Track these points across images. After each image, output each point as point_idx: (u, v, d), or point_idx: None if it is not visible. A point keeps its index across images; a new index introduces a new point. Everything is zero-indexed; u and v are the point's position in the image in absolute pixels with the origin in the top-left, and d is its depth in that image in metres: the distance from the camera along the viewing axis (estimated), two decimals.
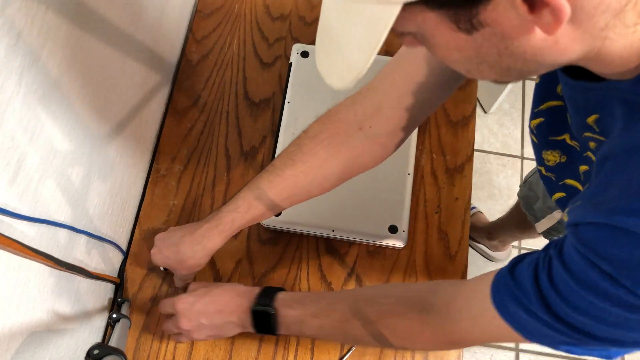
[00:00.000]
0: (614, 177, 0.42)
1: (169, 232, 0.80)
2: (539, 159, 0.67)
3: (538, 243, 1.70)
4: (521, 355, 1.60)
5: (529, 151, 1.81)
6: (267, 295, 0.71)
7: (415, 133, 0.97)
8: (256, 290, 0.73)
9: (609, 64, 0.41)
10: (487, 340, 0.57)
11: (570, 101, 0.53)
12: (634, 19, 0.37)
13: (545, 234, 1.14)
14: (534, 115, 0.63)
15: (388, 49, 1.05)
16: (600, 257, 0.40)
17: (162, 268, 0.84)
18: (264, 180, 0.73)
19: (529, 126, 0.66)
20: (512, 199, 1.45)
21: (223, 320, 0.73)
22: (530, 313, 0.47)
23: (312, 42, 1.05)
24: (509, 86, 1.68)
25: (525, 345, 1.61)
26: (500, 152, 1.81)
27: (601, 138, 0.49)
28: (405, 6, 0.36)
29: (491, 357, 1.59)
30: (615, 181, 0.41)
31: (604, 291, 0.41)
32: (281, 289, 0.73)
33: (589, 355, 0.49)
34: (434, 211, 0.94)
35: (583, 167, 0.58)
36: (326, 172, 0.72)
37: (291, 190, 0.73)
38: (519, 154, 1.81)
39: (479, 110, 1.85)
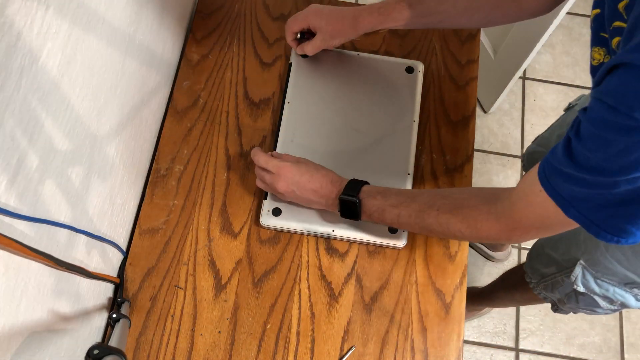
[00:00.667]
0: (632, 29, 0.48)
1: (323, 7, 0.90)
2: (591, 57, 0.71)
3: None
4: (521, 355, 1.60)
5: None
6: (354, 186, 0.82)
7: (415, 133, 0.97)
8: (345, 180, 0.84)
9: None
10: (539, 222, 0.62)
11: None
12: None
13: None
14: (594, 5, 0.65)
15: (388, 49, 1.05)
16: (607, 94, 0.48)
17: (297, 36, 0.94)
18: None
19: (591, 16, 0.69)
20: None
21: (314, 198, 0.85)
22: (563, 175, 0.55)
23: None
24: (509, 86, 1.69)
25: (525, 345, 1.61)
26: (500, 152, 1.81)
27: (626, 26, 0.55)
28: None
29: (491, 357, 1.59)
30: (632, 27, 0.48)
31: (607, 122, 0.48)
32: (366, 182, 0.83)
33: (616, 242, 0.55)
34: None
35: None
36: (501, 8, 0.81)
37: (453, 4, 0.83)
38: (519, 154, 1.81)
39: (479, 110, 1.85)
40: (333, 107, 0.99)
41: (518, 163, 1.80)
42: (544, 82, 1.89)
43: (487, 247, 1.66)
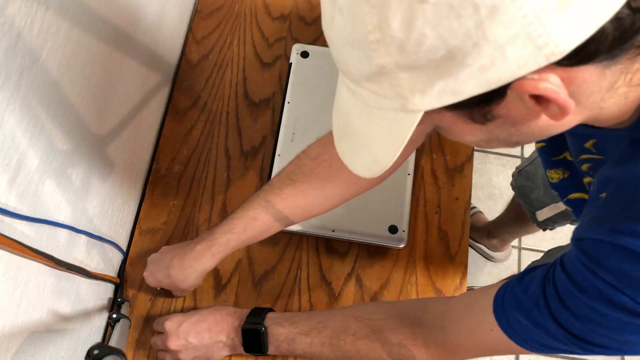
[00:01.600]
0: (616, 199, 0.45)
1: (160, 254, 0.81)
2: (545, 177, 0.70)
3: (538, 243, 1.70)
4: (521, 355, 1.60)
5: (529, 151, 1.81)
6: (258, 314, 0.73)
7: None
8: (246, 310, 0.75)
9: (606, 123, 0.45)
10: (481, 352, 0.57)
11: (568, 132, 0.55)
12: (624, 89, 0.40)
13: (543, 224, 1.14)
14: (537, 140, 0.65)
15: None
16: (603, 269, 0.43)
17: (158, 288, 0.84)
18: (261, 199, 0.73)
19: (535, 148, 0.68)
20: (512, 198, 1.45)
21: (212, 339, 0.74)
22: (531, 320, 0.49)
23: (312, 42, 1.05)
24: None
25: None
26: (500, 152, 1.81)
27: (599, 157, 0.52)
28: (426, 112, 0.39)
29: (491, 357, 1.59)
30: (617, 202, 0.44)
31: (607, 298, 0.43)
32: (270, 310, 0.75)
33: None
34: (434, 211, 0.94)
35: (587, 179, 0.60)
36: (327, 192, 0.72)
37: (290, 210, 0.73)
38: (519, 154, 1.81)
39: None
40: (333, 107, 0.98)
41: (518, 163, 1.80)
42: None
43: (487, 247, 1.66)
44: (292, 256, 0.91)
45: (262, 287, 0.89)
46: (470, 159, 0.98)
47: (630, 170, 0.44)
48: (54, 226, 0.64)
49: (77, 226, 0.71)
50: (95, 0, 0.66)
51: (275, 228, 0.75)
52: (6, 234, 0.53)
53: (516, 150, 1.81)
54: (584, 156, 0.55)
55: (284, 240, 0.92)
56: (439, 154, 0.98)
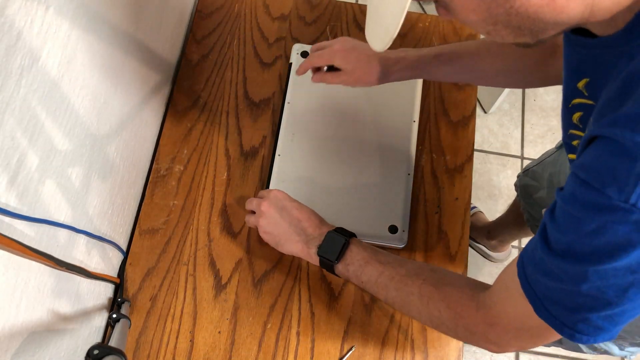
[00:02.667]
0: (606, 107, 0.47)
1: (363, 43, 0.83)
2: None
3: None
4: (521, 355, 1.60)
5: (529, 151, 1.81)
6: (346, 231, 0.78)
7: (415, 133, 0.97)
8: (332, 226, 0.79)
9: (602, 21, 0.47)
10: (515, 320, 0.58)
11: (566, 64, 0.58)
12: None
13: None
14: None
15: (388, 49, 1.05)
16: (582, 169, 0.45)
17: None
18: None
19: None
20: (512, 199, 1.45)
21: (295, 227, 0.80)
22: (536, 263, 0.52)
23: (312, 42, 1.05)
24: None
25: None
26: (500, 152, 1.81)
27: (589, 102, 0.53)
28: None
29: (491, 357, 1.59)
30: (609, 102, 0.47)
31: (579, 198, 0.45)
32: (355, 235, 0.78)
33: (593, 341, 0.52)
34: (434, 211, 0.94)
35: (575, 142, 0.60)
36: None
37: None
38: (519, 154, 1.81)
39: (479, 110, 1.85)
40: (333, 107, 0.99)
41: (518, 163, 1.80)
42: None
43: (487, 247, 1.66)
44: (292, 256, 0.91)
45: (262, 287, 0.89)
46: (470, 159, 0.98)
47: (632, 66, 0.45)
48: (54, 226, 0.64)
49: (77, 226, 0.71)
50: (95, 0, 0.66)
51: (472, 75, 0.83)
52: (6, 234, 0.53)
53: (516, 150, 1.81)
54: (576, 100, 0.56)
55: None
56: (439, 154, 0.98)
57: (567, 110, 0.59)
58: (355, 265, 0.74)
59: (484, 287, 0.65)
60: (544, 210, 0.86)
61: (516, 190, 1.22)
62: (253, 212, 0.85)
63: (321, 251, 0.76)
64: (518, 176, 1.21)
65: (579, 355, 1.60)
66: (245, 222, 0.92)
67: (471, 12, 0.48)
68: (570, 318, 0.51)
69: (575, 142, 0.59)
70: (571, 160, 0.63)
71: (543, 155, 1.13)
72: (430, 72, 0.82)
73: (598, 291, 0.48)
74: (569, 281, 0.49)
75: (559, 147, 1.06)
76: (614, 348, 0.90)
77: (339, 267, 0.75)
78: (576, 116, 0.57)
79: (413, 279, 0.69)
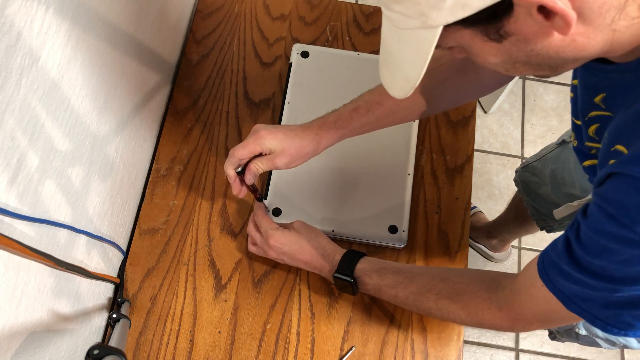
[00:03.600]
0: (623, 137, 0.49)
1: (274, 127, 0.79)
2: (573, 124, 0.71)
3: (538, 243, 1.70)
4: (521, 355, 1.60)
5: (529, 151, 1.81)
6: (349, 264, 0.78)
7: (415, 133, 0.97)
8: (339, 256, 0.80)
9: (622, 52, 0.48)
10: (540, 314, 0.61)
11: (581, 82, 0.59)
12: (635, 12, 0.43)
13: (555, 223, 1.14)
14: (573, 75, 0.66)
15: None
16: (608, 202, 0.47)
17: (238, 169, 0.78)
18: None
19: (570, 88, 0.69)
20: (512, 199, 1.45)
21: (307, 268, 0.83)
22: (563, 273, 0.54)
23: (312, 42, 1.06)
24: (509, 86, 1.68)
25: (525, 345, 1.61)
26: (500, 152, 1.81)
27: (607, 114, 0.55)
28: (444, 27, 0.45)
29: (491, 357, 1.59)
30: (624, 139, 0.49)
31: (609, 232, 0.47)
32: (363, 255, 0.79)
33: (624, 335, 0.54)
34: (434, 211, 0.94)
35: (593, 151, 0.61)
36: (451, 87, 0.78)
37: (411, 101, 0.78)
38: (519, 154, 1.81)
39: (479, 110, 1.85)
40: (333, 107, 0.98)
41: (518, 163, 1.80)
42: (544, 82, 1.89)
43: (487, 248, 1.66)
44: None
45: (262, 287, 0.89)
46: (470, 159, 0.98)
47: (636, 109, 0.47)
48: (54, 226, 0.64)
49: (77, 226, 0.71)
50: (95, 0, 0.66)
51: (395, 118, 0.79)
52: (6, 234, 0.53)
53: (516, 150, 1.81)
54: (593, 113, 0.57)
55: None
56: (439, 154, 0.98)
57: (584, 123, 0.59)
58: (371, 293, 0.79)
59: (498, 283, 0.66)
60: (554, 211, 0.88)
61: (517, 185, 1.22)
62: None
63: (338, 287, 0.82)
64: (517, 171, 1.21)
65: (579, 355, 1.60)
66: (243, 222, 0.92)
67: (491, 56, 0.49)
68: (602, 312, 0.53)
69: (593, 151, 0.60)
70: (587, 167, 0.64)
71: (542, 150, 1.12)
72: (354, 128, 0.79)
73: (630, 297, 0.51)
74: (601, 290, 0.51)
75: (559, 144, 1.06)
76: (632, 342, 0.90)
77: (362, 292, 0.80)
78: (592, 129, 0.58)
79: (426, 296, 0.72)
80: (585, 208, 0.52)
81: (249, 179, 0.79)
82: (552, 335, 1.10)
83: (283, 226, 0.84)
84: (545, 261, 0.57)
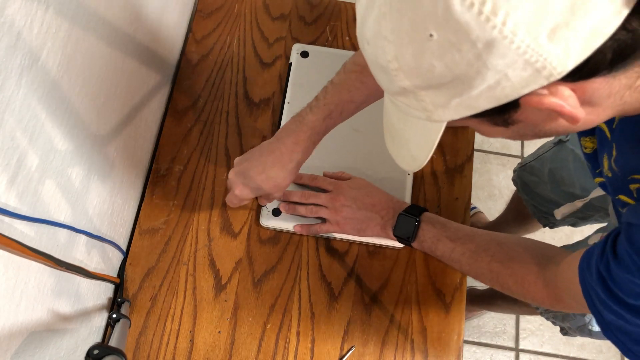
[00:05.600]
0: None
1: (248, 162, 0.79)
2: (580, 146, 0.71)
3: None
4: (521, 355, 1.60)
5: (529, 151, 1.81)
6: (416, 208, 0.82)
7: None
8: (405, 204, 0.85)
9: (633, 113, 0.48)
10: (577, 307, 0.61)
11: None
12: None
13: (561, 223, 1.14)
14: None
15: None
16: (638, 254, 0.48)
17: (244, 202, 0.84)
18: (354, 81, 0.74)
19: None
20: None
21: (372, 213, 0.84)
22: (599, 299, 0.54)
23: (312, 42, 1.06)
24: None
25: (525, 345, 1.61)
26: (500, 152, 1.81)
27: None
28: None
29: (491, 357, 1.59)
30: None
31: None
32: (426, 210, 0.83)
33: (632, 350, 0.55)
34: (434, 211, 0.94)
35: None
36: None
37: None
38: (519, 154, 1.81)
39: None
40: None
41: (518, 163, 1.80)
42: None
43: None
44: (292, 256, 0.91)
45: (262, 287, 0.89)
46: (470, 159, 0.98)
47: None
48: (53, 226, 0.64)
49: (77, 226, 0.71)
50: (95, 0, 0.66)
51: (366, 105, 0.77)
52: (6, 234, 0.53)
53: (516, 150, 1.81)
54: (636, 176, 0.56)
55: (284, 240, 0.92)
56: (439, 154, 0.98)
57: (625, 181, 0.59)
58: (428, 242, 0.79)
59: (549, 259, 0.67)
60: (555, 211, 0.87)
61: (515, 185, 1.22)
62: (315, 205, 0.88)
63: (397, 233, 0.82)
64: (514, 171, 1.21)
65: (579, 355, 1.60)
66: (243, 222, 0.92)
67: (499, 134, 0.50)
68: (635, 347, 0.54)
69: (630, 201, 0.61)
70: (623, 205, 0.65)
71: (539, 149, 1.12)
72: (326, 132, 0.77)
73: None
74: (636, 326, 0.52)
75: (556, 143, 1.06)
76: None
77: (415, 245, 0.81)
78: (634, 187, 0.57)
79: (482, 255, 0.73)
80: (615, 241, 0.51)
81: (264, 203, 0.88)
82: (564, 331, 1.10)
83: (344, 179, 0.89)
84: (586, 280, 0.56)
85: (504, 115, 0.44)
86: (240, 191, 0.80)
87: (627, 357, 0.55)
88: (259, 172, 0.77)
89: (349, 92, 0.74)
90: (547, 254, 0.69)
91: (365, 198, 0.85)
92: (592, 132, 0.66)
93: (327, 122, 0.75)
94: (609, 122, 0.56)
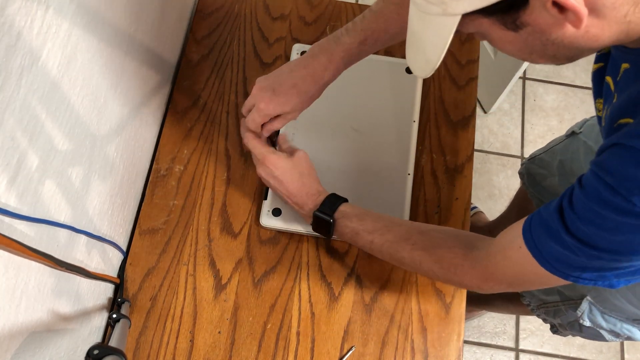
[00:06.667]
0: (629, 109, 0.51)
1: (275, 77, 0.80)
2: (595, 109, 0.71)
3: None
4: (521, 355, 1.60)
5: (529, 151, 1.81)
6: (331, 205, 0.80)
7: (415, 133, 0.97)
8: (323, 196, 0.81)
9: (637, 42, 0.50)
10: (513, 274, 0.63)
11: (613, 49, 0.60)
12: None
13: None
14: (596, 59, 0.66)
15: (388, 49, 1.05)
16: (607, 172, 0.49)
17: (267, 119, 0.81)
18: (392, 12, 0.76)
19: (592, 72, 0.69)
20: (512, 199, 1.45)
21: (288, 201, 0.83)
22: (548, 229, 0.55)
23: (312, 42, 1.05)
24: (509, 86, 1.68)
25: (525, 345, 1.61)
26: (500, 152, 1.81)
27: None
28: (464, 15, 0.48)
29: (491, 357, 1.59)
30: (630, 111, 0.51)
31: (603, 198, 0.49)
32: (346, 200, 0.81)
33: (593, 285, 0.56)
34: (434, 211, 0.94)
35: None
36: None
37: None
38: (519, 154, 1.81)
39: (479, 110, 1.85)
40: (333, 107, 0.99)
41: (518, 163, 1.80)
42: (544, 82, 1.89)
43: None
44: (292, 256, 0.91)
45: (262, 287, 0.89)
46: (470, 159, 0.98)
47: None
48: (54, 226, 0.64)
49: (77, 226, 0.71)
50: (95, 0, 0.66)
51: (397, 39, 0.78)
52: (6, 234, 0.53)
53: (516, 150, 1.81)
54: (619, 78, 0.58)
55: (284, 240, 0.92)
56: (439, 154, 0.98)
57: (612, 129, 0.60)
58: (347, 237, 0.79)
59: (475, 245, 0.68)
60: None
61: (521, 178, 1.22)
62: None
63: (314, 229, 0.83)
64: (523, 164, 1.21)
65: (579, 355, 1.60)
66: (243, 222, 0.92)
67: (508, 44, 0.52)
68: (577, 273, 0.56)
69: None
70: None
71: (550, 143, 1.13)
72: (358, 59, 0.79)
73: (608, 263, 0.53)
74: (582, 256, 0.53)
75: (568, 135, 1.06)
76: (637, 333, 0.91)
77: (338, 238, 0.83)
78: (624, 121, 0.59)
79: (402, 244, 0.73)
80: (581, 177, 0.53)
81: (267, 134, 0.84)
82: (555, 329, 1.10)
83: (288, 150, 0.86)
84: (534, 219, 0.58)
85: (513, 15, 0.47)
86: (266, 105, 0.79)
87: (568, 280, 0.56)
88: (290, 86, 0.78)
89: (385, 21, 0.76)
90: (469, 239, 0.70)
91: (284, 184, 0.82)
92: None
93: (360, 48, 0.77)
94: (614, 74, 0.57)
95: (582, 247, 0.52)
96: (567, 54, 0.51)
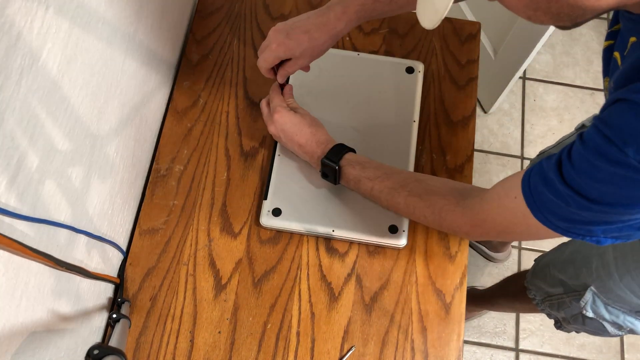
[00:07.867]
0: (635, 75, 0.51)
1: (291, 22, 0.82)
2: (604, 89, 0.72)
3: (539, 243, 1.70)
4: (521, 355, 1.60)
5: (529, 151, 1.81)
6: (337, 152, 0.84)
7: (415, 133, 0.97)
8: (331, 144, 0.85)
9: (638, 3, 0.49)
10: (502, 224, 0.64)
11: (623, 22, 0.60)
12: None
13: None
14: (607, 36, 0.66)
15: (388, 49, 1.05)
16: (606, 125, 0.50)
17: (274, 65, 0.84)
18: None
19: (602, 50, 0.70)
20: None
21: (298, 151, 0.88)
22: (546, 180, 0.56)
23: None
24: (509, 86, 1.69)
25: (525, 345, 1.61)
26: (500, 152, 1.81)
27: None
28: None
29: (491, 357, 1.59)
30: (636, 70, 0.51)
31: (600, 150, 0.50)
32: (352, 150, 0.85)
33: (581, 239, 0.58)
34: None
35: None
36: None
37: None
38: (519, 154, 1.81)
39: (479, 110, 1.85)
40: (333, 107, 0.99)
41: (518, 163, 1.80)
42: (544, 82, 1.89)
43: (487, 248, 1.66)
44: (292, 256, 0.91)
45: (262, 287, 0.89)
46: (470, 159, 0.98)
47: None
48: (54, 226, 0.64)
49: (77, 226, 0.71)
50: (95, 0, 0.66)
51: (411, 5, 0.79)
52: (6, 234, 0.53)
53: (516, 150, 1.81)
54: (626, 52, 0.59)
55: (284, 240, 0.92)
56: (439, 154, 0.98)
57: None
58: (351, 184, 0.84)
59: (469, 194, 0.70)
60: None
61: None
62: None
63: (322, 176, 0.87)
64: (532, 161, 1.21)
65: (579, 355, 1.60)
66: (243, 222, 0.92)
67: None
68: (567, 225, 0.56)
69: None
70: None
71: (560, 139, 1.14)
72: (371, 17, 0.81)
73: (595, 216, 0.54)
74: (573, 206, 0.54)
75: (578, 129, 1.07)
76: (639, 326, 0.91)
77: (342, 184, 0.86)
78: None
79: (399, 191, 0.77)
80: (582, 132, 0.54)
81: (281, 79, 0.87)
82: (558, 324, 1.10)
83: (292, 105, 0.89)
84: (534, 169, 0.59)
85: None
86: (277, 46, 0.81)
87: (556, 232, 0.57)
88: (303, 31, 0.80)
89: None
90: (465, 188, 0.73)
91: (294, 136, 0.87)
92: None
93: (376, 4, 0.78)
94: (622, 49, 0.57)
95: (574, 196, 0.53)
96: (570, 13, 0.50)
